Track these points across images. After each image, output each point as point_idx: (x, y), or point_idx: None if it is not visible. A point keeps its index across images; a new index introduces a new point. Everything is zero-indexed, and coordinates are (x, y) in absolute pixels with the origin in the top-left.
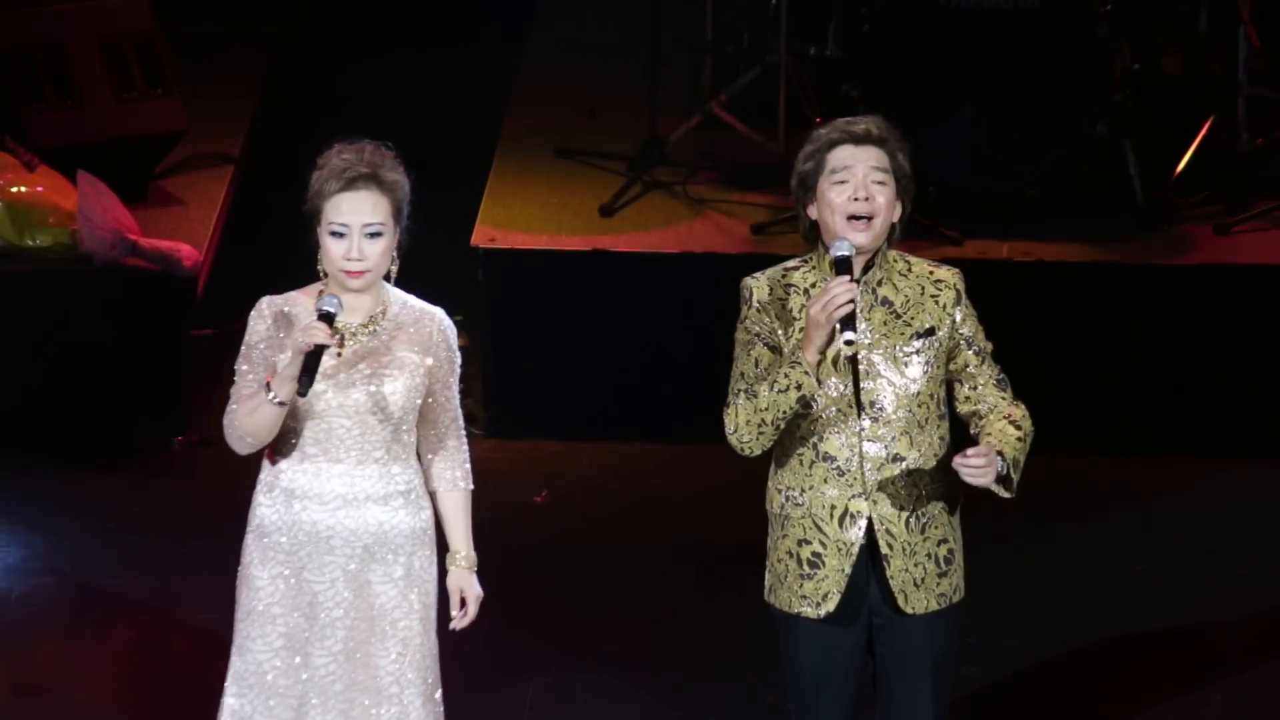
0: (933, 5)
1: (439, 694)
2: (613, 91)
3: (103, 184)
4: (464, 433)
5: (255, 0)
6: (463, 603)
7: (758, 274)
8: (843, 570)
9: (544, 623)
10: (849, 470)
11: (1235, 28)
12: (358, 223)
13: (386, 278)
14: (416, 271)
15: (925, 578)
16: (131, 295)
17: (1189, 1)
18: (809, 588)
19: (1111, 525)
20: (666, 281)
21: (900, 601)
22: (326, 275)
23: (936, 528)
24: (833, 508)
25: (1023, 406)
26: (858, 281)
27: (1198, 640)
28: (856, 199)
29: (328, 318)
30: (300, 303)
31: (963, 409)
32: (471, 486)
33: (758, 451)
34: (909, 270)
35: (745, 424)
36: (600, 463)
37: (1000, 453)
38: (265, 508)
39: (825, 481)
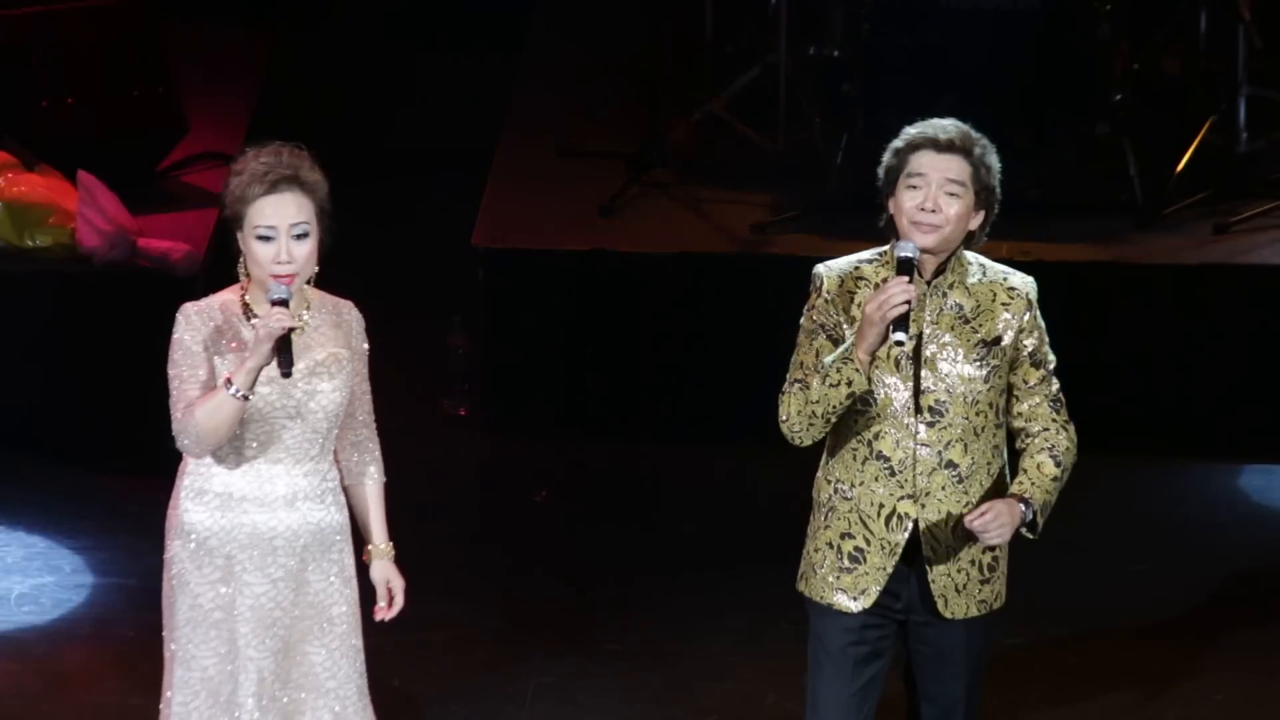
0: (933, 5)
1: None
2: (613, 91)
3: (103, 184)
4: (375, 425)
5: (255, 0)
6: (389, 594)
7: (829, 263)
8: (884, 569)
9: (544, 622)
10: (901, 472)
11: (1235, 28)
12: (285, 224)
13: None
14: (417, 272)
15: (967, 584)
16: (131, 295)
17: (1189, 1)
18: (847, 581)
19: (1112, 525)
20: (666, 281)
21: (940, 606)
22: (249, 278)
23: None
24: (881, 506)
25: (1071, 430)
26: (929, 283)
27: (1198, 640)
28: (924, 208)
29: (283, 303)
30: (226, 306)
31: (1014, 423)
32: (385, 479)
33: (808, 442)
34: (983, 275)
35: (797, 414)
36: (600, 463)
37: (1027, 499)
38: (197, 514)
39: (876, 480)
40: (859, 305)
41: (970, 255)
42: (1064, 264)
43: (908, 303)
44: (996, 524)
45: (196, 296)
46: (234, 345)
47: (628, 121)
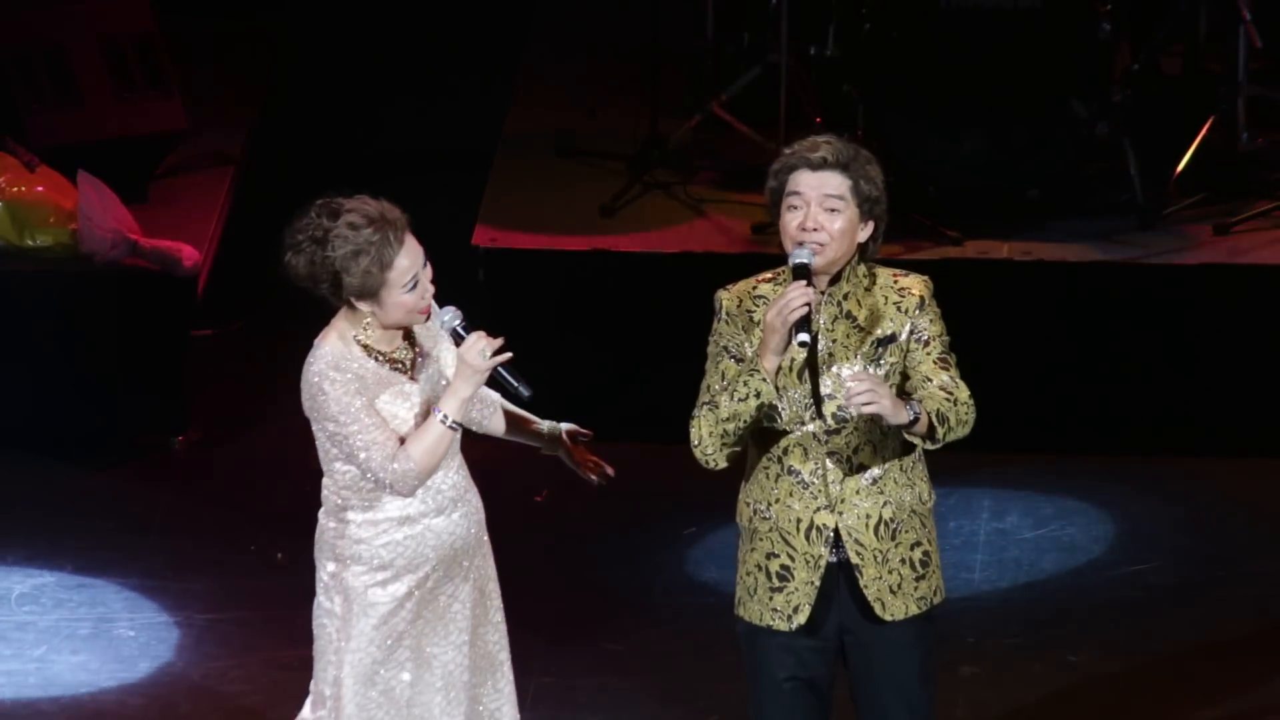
0: (933, 5)
1: None
2: (613, 91)
3: (103, 184)
4: None
5: (255, 0)
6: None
7: (730, 286)
8: (812, 583)
9: (544, 622)
10: (812, 484)
11: (1235, 28)
12: (420, 262)
13: None
14: None
15: (902, 583)
16: (131, 295)
17: (1189, 1)
18: (779, 600)
19: (1112, 525)
20: (666, 281)
21: (878, 610)
22: (369, 323)
23: (908, 532)
24: (798, 521)
25: (966, 391)
26: (823, 293)
27: (1198, 640)
28: (805, 227)
29: (460, 329)
30: (346, 353)
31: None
32: None
33: (721, 464)
34: (873, 284)
35: (708, 435)
36: None
37: (913, 400)
38: (378, 541)
39: (790, 495)
40: (758, 323)
41: (863, 268)
42: (1064, 264)
43: (807, 305)
44: (866, 385)
45: (196, 296)
46: (384, 384)
47: (628, 121)
